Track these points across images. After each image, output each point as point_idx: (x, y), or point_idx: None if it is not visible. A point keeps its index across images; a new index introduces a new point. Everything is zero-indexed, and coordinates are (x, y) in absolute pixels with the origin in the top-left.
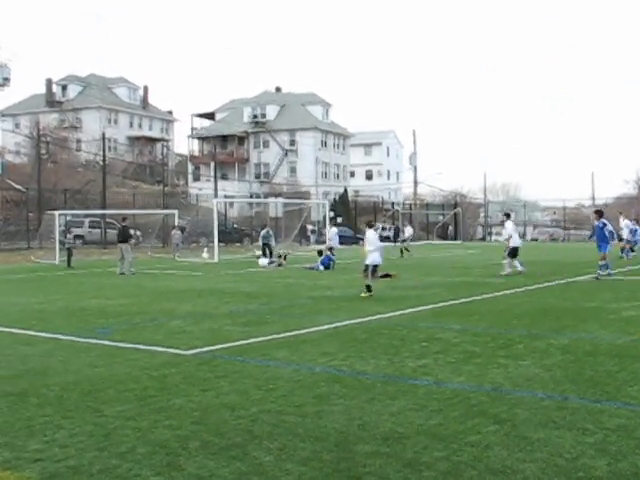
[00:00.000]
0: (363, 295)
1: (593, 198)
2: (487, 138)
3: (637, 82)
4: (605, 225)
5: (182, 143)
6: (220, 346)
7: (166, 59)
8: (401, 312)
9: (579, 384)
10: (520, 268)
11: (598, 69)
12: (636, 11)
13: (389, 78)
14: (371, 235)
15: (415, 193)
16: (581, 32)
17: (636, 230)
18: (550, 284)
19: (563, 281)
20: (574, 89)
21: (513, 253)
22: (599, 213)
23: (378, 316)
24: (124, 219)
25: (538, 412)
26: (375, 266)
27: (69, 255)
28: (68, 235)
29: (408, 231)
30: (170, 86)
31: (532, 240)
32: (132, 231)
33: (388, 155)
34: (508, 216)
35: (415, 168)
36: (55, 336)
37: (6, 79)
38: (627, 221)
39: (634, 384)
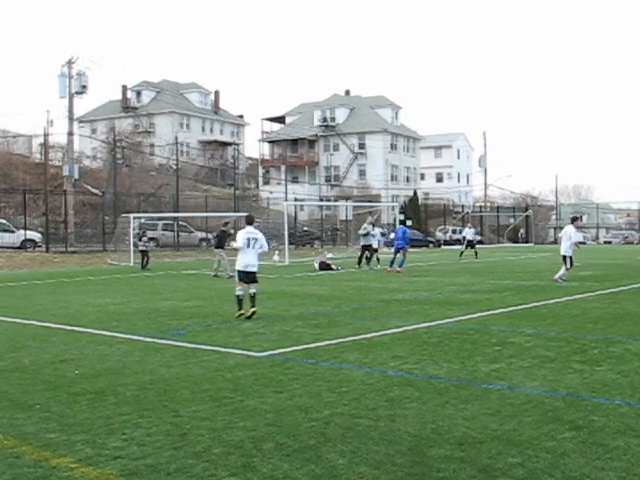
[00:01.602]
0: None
1: None
2: (558, 139)
3: None
4: None
5: (253, 147)
6: (292, 348)
7: (237, 64)
8: (473, 316)
9: None
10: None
11: None
12: None
13: (459, 80)
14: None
15: (485, 195)
16: None
17: None
18: (624, 288)
19: (638, 285)
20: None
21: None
22: None
23: (448, 320)
24: (225, 223)
25: (616, 419)
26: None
27: (144, 257)
28: (143, 238)
29: (469, 233)
30: (241, 91)
31: (605, 243)
32: (230, 236)
33: (458, 157)
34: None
35: (485, 170)
36: (131, 337)
37: (84, 87)
38: None
39: None
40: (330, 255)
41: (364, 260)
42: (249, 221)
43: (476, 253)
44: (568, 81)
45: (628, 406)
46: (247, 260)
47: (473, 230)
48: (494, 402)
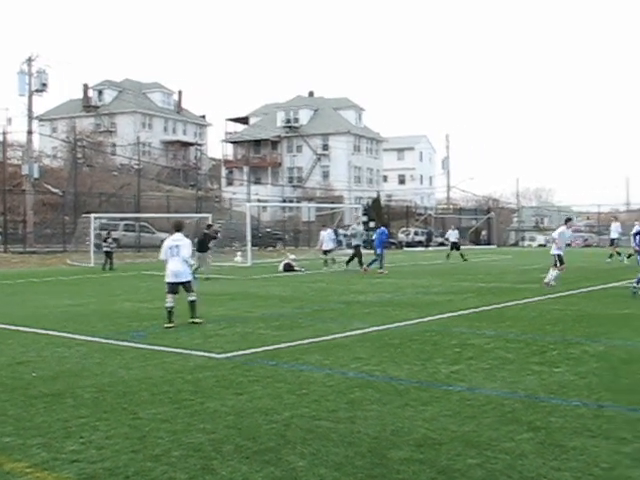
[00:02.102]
0: None
1: (628, 203)
2: (520, 143)
3: None
4: None
5: (216, 147)
6: (253, 350)
7: (200, 64)
8: (434, 317)
9: (615, 392)
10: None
11: (630, 73)
12: None
13: (422, 82)
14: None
15: (448, 198)
16: (613, 36)
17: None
18: (583, 290)
19: (596, 288)
20: (609, 93)
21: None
22: None
23: (410, 321)
24: (209, 226)
25: (573, 420)
26: None
27: (109, 258)
28: (108, 239)
29: (452, 235)
30: (204, 91)
31: (566, 245)
32: (212, 239)
33: (421, 160)
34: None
35: (448, 173)
36: (90, 338)
37: (44, 85)
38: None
39: None
40: (293, 257)
41: (355, 260)
42: (177, 227)
43: (462, 255)
44: (529, 84)
45: (585, 407)
46: (175, 269)
47: (457, 232)
48: (454, 404)
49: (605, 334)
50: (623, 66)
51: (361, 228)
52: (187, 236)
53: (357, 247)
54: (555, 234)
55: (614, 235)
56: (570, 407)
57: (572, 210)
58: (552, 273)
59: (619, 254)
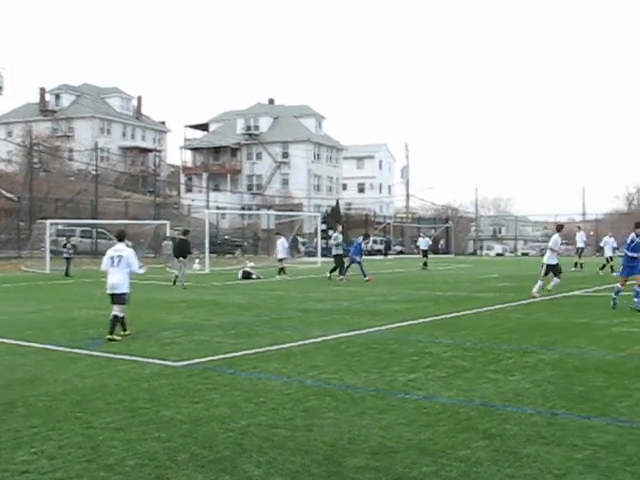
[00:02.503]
0: None
1: (584, 213)
2: (479, 152)
3: (628, 99)
4: None
5: (175, 154)
6: (210, 358)
7: (160, 70)
8: (392, 326)
9: (569, 400)
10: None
11: (589, 86)
12: (628, 30)
13: (382, 91)
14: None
15: (407, 207)
16: (572, 48)
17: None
18: (539, 300)
19: (553, 296)
20: (565, 105)
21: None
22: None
23: (368, 330)
24: (185, 232)
25: (527, 427)
26: None
27: (68, 265)
28: (67, 245)
29: (423, 243)
30: (163, 97)
31: (523, 254)
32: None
33: (380, 168)
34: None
35: (407, 182)
36: (45, 346)
37: None
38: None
39: (623, 400)
40: (251, 264)
41: (345, 269)
42: (120, 237)
43: (426, 263)
44: (487, 95)
45: (539, 415)
46: (114, 281)
47: (427, 240)
48: (410, 412)
49: (560, 342)
50: (580, 79)
51: (340, 237)
52: (130, 246)
53: (338, 256)
54: (551, 242)
55: (580, 244)
56: (525, 415)
57: (529, 220)
58: (540, 284)
59: (581, 265)
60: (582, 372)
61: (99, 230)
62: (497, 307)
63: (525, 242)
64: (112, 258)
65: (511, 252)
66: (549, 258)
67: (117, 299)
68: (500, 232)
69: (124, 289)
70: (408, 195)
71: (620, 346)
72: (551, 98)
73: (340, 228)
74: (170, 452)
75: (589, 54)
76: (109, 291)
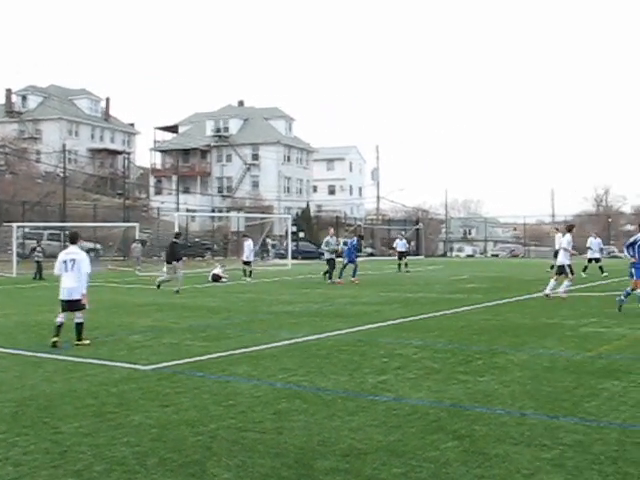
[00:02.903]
0: None
1: (553, 215)
2: (449, 154)
3: (595, 101)
4: None
5: (144, 156)
6: (180, 361)
7: (129, 72)
8: (361, 328)
9: (537, 400)
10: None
11: (558, 89)
12: (590, 31)
13: (352, 93)
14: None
15: (377, 208)
16: (538, 49)
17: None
18: (510, 300)
19: (522, 297)
20: (534, 107)
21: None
22: None
23: (338, 332)
24: (177, 234)
25: (496, 428)
26: None
27: (40, 268)
28: (38, 248)
29: (400, 244)
30: (133, 99)
31: (493, 256)
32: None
33: (351, 170)
34: (568, 229)
35: (377, 184)
36: (11, 351)
37: None
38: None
39: (591, 400)
40: (221, 267)
41: (334, 272)
42: (72, 239)
43: (400, 265)
44: (457, 96)
45: (508, 415)
46: (69, 286)
47: (404, 242)
48: (380, 413)
49: (529, 343)
50: (548, 82)
51: (334, 240)
52: (86, 250)
53: (330, 260)
54: (564, 243)
55: (557, 247)
56: (494, 415)
57: (499, 221)
58: (552, 284)
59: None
60: (551, 372)
61: (67, 233)
62: (467, 308)
63: (495, 243)
64: (65, 262)
65: (481, 253)
66: (563, 258)
67: (75, 305)
68: (470, 234)
69: (80, 295)
70: (378, 197)
71: (588, 346)
72: (520, 100)
73: (332, 231)
74: (139, 457)
75: (556, 55)
76: (65, 297)
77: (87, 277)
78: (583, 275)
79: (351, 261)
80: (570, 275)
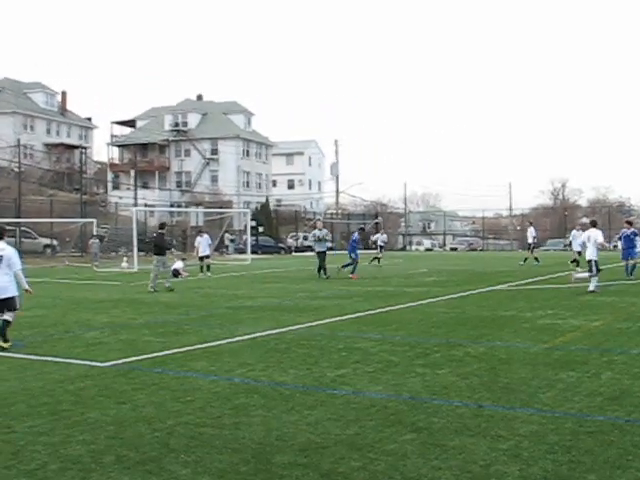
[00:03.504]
0: None
1: (510, 208)
2: (408, 148)
3: (551, 94)
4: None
5: (102, 151)
6: (138, 357)
7: (85, 65)
8: (321, 322)
9: (494, 391)
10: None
11: (514, 82)
12: (546, 28)
13: (311, 87)
14: None
15: (337, 203)
16: (495, 44)
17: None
18: (468, 293)
19: (480, 290)
20: (490, 101)
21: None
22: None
23: (298, 326)
24: (161, 226)
25: (454, 420)
26: None
27: None
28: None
29: (380, 238)
30: (89, 92)
31: (452, 249)
32: (172, 240)
33: (310, 165)
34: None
35: (337, 178)
36: None
37: None
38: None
39: (547, 391)
40: (182, 262)
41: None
42: None
43: (373, 259)
44: (414, 89)
45: (466, 407)
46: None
47: (385, 236)
48: (338, 407)
49: (486, 336)
50: (504, 75)
51: (322, 233)
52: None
53: (321, 253)
54: (597, 237)
55: (530, 240)
56: (452, 407)
57: (458, 215)
58: (594, 281)
59: (536, 259)
60: (507, 364)
61: (23, 229)
62: (426, 302)
63: (454, 237)
64: None
65: (440, 247)
66: (592, 254)
67: (6, 304)
68: (429, 227)
69: (12, 292)
70: (338, 191)
71: (544, 338)
72: (476, 94)
73: (320, 224)
74: (95, 454)
75: (512, 49)
76: None
77: (21, 273)
78: (578, 269)
79: (355, 257)
80: (595, 271)
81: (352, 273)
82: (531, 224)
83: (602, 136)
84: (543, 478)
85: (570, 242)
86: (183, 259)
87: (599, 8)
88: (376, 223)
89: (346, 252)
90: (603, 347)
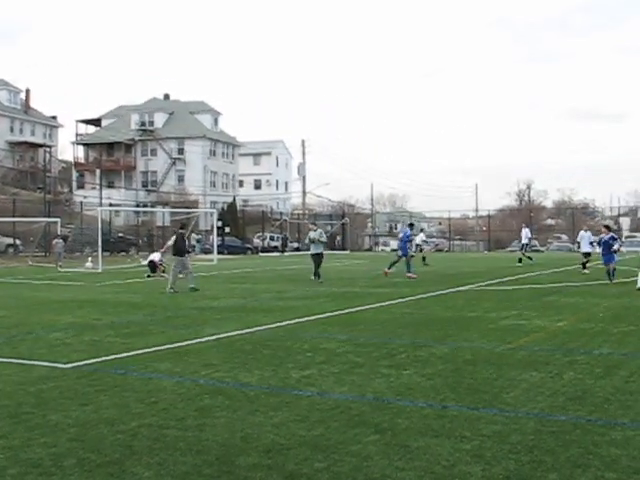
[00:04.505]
0: None
1: (477, 210)
2: (376, 149)
3: (516, 99)
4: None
5: (67, 149)
6: (101, 359)
7: (50, 61)
8: (287, 322)
9: (458, 392)
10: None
11: (477, 85)
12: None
13: (278, 88)
14: None
15: (304, 203)
16: (451, 48)
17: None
18: (433, 294)
19: (446, 291)
20: (458, 102)
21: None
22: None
23: (264, 327)
24: (182, 226)
25: (418, 420)
26: None
27: None
28: None
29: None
30: (54, 90)
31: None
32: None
33: (277, 165)
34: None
35: (304, 178)
36: None
37: None
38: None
39: (510, 391)
40: (145, 262)
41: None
42: None
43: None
44: (381, 90)
45: (430, 408)
46: None
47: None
48: (303, 408)
49: (452, 336)
50: (476, 76)
51: (316, 234)
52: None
53: (318, 255)
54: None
55: (524, 240)
56: (416, 408)
57: (425, 216)
58: None
59: (530, 258)
60: (472, 365)
61: None
62: (392, 302)
63: None
64: None
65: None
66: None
67: None
68: (396, 228)
69: None
70: (305, 191)
71: (508, 339)
72: (444, 96)
73: (314, 226)
74: (56, 458)
75: (477, 51)
76: None
77: None
78: (586, 272)
79: (405, 254)
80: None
81: (408, 272)
82: (526, 226)
83: (566, 139)
84: (505, 478)
85: (578, 243)
86: (163, 252)
87: None
88: (343, 224)
89: (309, 252)
90: (566, 347)
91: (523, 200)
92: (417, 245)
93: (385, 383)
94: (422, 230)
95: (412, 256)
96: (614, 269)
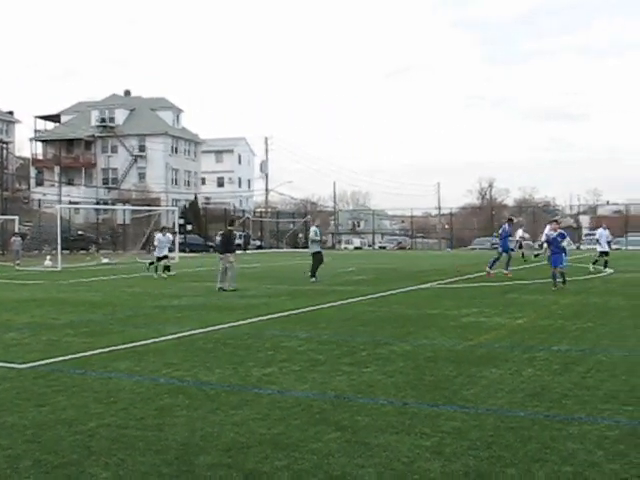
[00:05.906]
0: None
1: (439, 208)
2: (338, 146)
3: (478, 98)
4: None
5: (24, 146)
6: (59, 359)
7: (7, 56)
8: (248, 321)
9: (419, 389)
10: None
11: (438, 82)
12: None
13: (240, 84)
14: None
15: (266, 201)
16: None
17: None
18: (395, 292)
19: (408, 289)
20: (419, 99)
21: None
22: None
23: (225, 325)
24: (231, 223)
25: (379, 418)
26: None
27: None
28: None
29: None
30: (12, 86)
31: (381, 248)
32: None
33: (240, 162)
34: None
35: (266, 176)
36: None
37: None
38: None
39: (470, 388)
40: (106, 260)
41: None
42: None
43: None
44: (341, 88)
45: (391, 405)
46: None
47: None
48: (264, 407)
49: (413, 334)
50: (435, 73)
51: (311, 233)
52: None
53: (317, 254)
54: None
55: (518, 238)
56: (377, 405)
57: (387, 214)
58: None
59: (522, 255)
60: (433, 362)
61: None
62: (353, 300)
63: (383, 236)
64: None
65: (369, 246)
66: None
67: None
68: (359, 226)
69: None
70: (267, 189)
71: (469, 336)
72: (405, 94)
73: (317, 221)
74: (11, 460)
75: (444, 46)
76: None
77: None
78: (591, 269)
79: (506, 250)
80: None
81: (490, 268)
82: (521, 226)
83: (528, 138)
84: (464, 474)
85: (597, 241)
86: (104, 259)
87: None
88: (305, 222)
89: (274, 251)
90: (525, 344)
91: (485, 198)
92: (516, 241)
93: (346, 381)
94: (521, 226)
95: (512, 250)
96: (561, 273)
